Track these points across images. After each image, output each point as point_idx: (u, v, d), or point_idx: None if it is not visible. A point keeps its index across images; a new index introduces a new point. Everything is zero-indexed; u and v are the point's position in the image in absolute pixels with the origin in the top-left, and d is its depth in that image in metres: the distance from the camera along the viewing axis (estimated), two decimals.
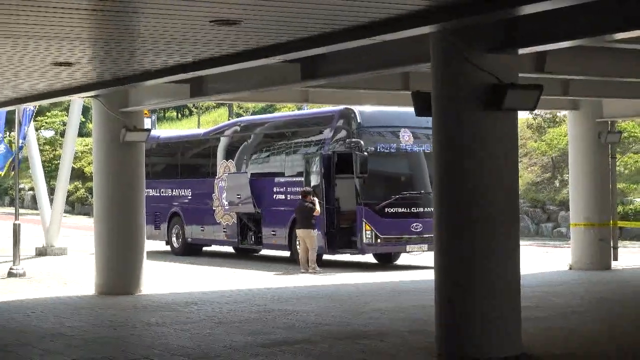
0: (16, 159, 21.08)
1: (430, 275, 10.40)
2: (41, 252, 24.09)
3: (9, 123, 25.62)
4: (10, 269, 19.04)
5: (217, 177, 23.74)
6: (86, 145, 47.17)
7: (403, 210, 20.13)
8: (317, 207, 19.57)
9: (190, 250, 24.60)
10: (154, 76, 12.98)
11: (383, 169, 20.31)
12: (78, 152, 42.51)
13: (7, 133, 24.18)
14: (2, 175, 24.38)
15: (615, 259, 20.19)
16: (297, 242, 20.47)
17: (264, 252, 23.91)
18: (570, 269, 19.64)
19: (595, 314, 13.53)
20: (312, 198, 19.66)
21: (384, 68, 11.60)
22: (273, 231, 21.93)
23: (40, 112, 48.76)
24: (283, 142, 22.21)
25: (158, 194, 25.42)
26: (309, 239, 19.63)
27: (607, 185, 19.84)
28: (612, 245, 19.97)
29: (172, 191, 25.36)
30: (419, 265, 20.63)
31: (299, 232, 19.83)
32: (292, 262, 21.12)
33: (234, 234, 22.99)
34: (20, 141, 22.02)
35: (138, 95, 15.83)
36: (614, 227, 20.16)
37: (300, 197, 19.98)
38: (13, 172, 21.46)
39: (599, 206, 19.49)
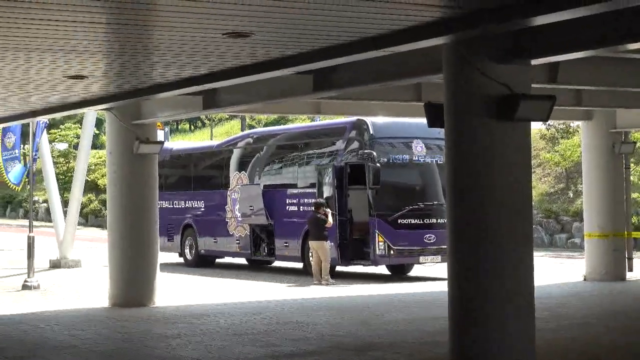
0: (30, 171, 21.16)
1: (443, 286, 10.38)
2: (55, 265, 24.15)
3: (24, 136, 25.72)
4: (25, 281, 19.08)
5: (229, 188, 23.77)
6: (100, 158, 47.32)
7: (416, 221, 20.08)
8: (330, 218, 19.56)
9: (203, 262, 24.62)
10: (167, 88, 13.03)
11: (396, 180, 20.28)
12: (91, 164, 42.62)
13: (22, 146, 24.25)
14: (19, 189, 24.47)
15: (630, 269, 20.09)
16: (310, 254, 20.46)
17: (277, 263, 23.90)
18: (585, 279, 19.56)
19: (605, 324, 13.45)
20: (325, 210, 19.65)
21: (396, 79, 11.60)
22: (286, 243, 21.92)
23: (54, 124, 48.98)
24: (295, 153, 22.22)
25: (171, 206, 25.46)
26: (322, 250, 19.62)
27: (621, 195, 19.75)
28: (626, 256, 19.87)
29: (185, 203, 25.39)
30: (432, 277, 20.57)
31: (312, 243, 19.83)
32: (305, 274, 21.11)
33: (247, 246, 22.99)
34: (34, 153, 22.09)
35: (151, 108, 15.89)
36: (628, 237, 20.06)
37: (313, 208, 19.97)
38: (28, 186, 21.53)
39: (613, 217, 19.40)
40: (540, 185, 34.32)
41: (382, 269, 21.64)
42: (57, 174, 29.05)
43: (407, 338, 11.94)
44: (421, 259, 20.16)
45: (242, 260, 24.84)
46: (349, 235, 20.30)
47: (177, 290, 18.44)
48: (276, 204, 22.06)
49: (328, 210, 19.70)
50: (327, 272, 19.67)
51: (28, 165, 21.85)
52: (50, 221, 27.20)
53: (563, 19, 7.89)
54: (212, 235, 24.31)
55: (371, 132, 20.05)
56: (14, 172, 22.69)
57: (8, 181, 23.26)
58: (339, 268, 21.03)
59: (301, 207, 21.42)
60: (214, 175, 25.10)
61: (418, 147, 20.47)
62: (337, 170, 20.40)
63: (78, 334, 12.67)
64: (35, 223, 22.86)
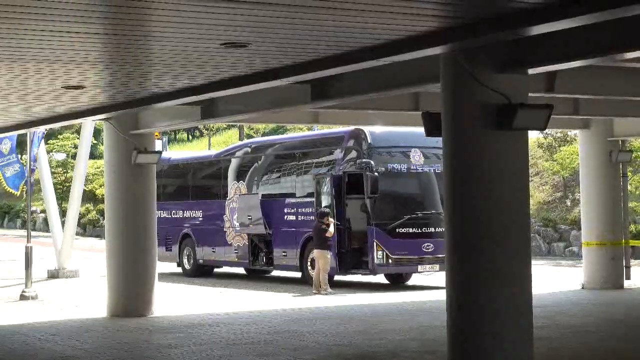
0: (28, 181, 21.13)
1: (441, 295, 10.38)
2: (53, 275, 24.12)
3: (21, 145, 25.69)
4: (23, 291, 19.06)
5: (228, 198, 23.77)
6: (97, 168, 47.33)
7: (414, 230, 20.09)
8: (331, 228, 19.48)
9: (202, 272, 24.60)
10: (165, 98, 13.05)
11: (394, 189, 20.29)
12: (89, 174, 42.63)
13: (20, 155, 24.24)
14: (18, 195, 24.42)
15: (628, 278, 20.10)
16: (309, 262, 20.45)
17: (275, 273, 23.89)
18: (583, 288, 19.55)
19: (603, 333, 13.45)
20: (329, 219, 19.57)
21: (394, 88, 11.62)
22: (284, 252, 21.91)
23: (51, 134, 48.98)
24: (293, 163, 22.23)
25: (169, 216, 25.45)
26: (322, 260, 19.56)
27: (619, 204, 19.77)
28: (624, 264, 19.88)
29: (183, 213, 25.39)
30: (430, 286, 20.57)
31: (314, 252, 19.80)
32: (303, 283, 21.10)
33: (245, 255, 22.98)
34: (32, 163, 22.08)
35: (149, 118, 15.90)
36: (626, 246, 20.07)
37: (318, 218, 19.85)
38: (26, 195, 21.48)
39: (611, 225, 19.42)
40: (538, 194, 34.33)
41: (381, 278, 21.63)
42: (55, 184, 29.03)
43: (406, 347, 11.94)
44: (419, 268, 20.16)
45: (241, 270, 24.82)
46: (348, 245, 20.30)
47: (175, 300, 18.42)
48: (274, 213, 22.06)
49: (332, 220, 19.63)
50: (326, 282, 19.64)
51: (26, 174, 21.81)
52: (48, 231, 27.18)
53: (560, 28, 7.91)
54: (210, 245, 24.30)
55: (369, 141, 20.06)
56: (12, 178, 22.69)
57: (7, 187, 23.28)
58: (337, 277, 21.02)
59: (299, 216, 21.42)
60: (212, 185, 25.11)
61: (416, 156, 20.49)
62: (335, 179, 20.41)
63: (76, 344, 12.65)
64: (33, 233, 22.82)
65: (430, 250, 19.97)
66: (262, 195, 22.54)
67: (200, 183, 25.84)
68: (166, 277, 22.55)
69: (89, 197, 46.29)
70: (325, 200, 20.67)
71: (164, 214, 24.78)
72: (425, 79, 10.66)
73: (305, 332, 13.45)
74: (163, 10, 7.65)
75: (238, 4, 7.40)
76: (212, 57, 9.88)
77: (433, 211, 20.24)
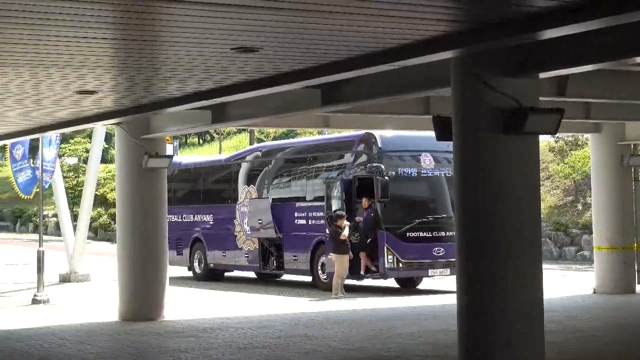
0: (40, 185, 21.20)
1: (452, 299, 10.38)
2: (65, 279, 24.19)
3: (33, 151, 25.77)
4: (35, 295, 19.12)
5: (238, 202, 23.80)
6: (109, 172, 47.47)
7: (425, 234, 20.08)
8: (345, 231, 19.44)
9: (213, 276, 24.64)
10: (176, 103, 13.08)
11: (404, 194, 20.28)
12: (101, 178, 42.71)
13: (32, 160, 24.37)
14: (30, 198, 24.55)
15: None
16: (319, 267, 20.43)
17: (286, 277, 23.90)
18: (595, 292, 19.50)
19: (614, 337, 13.41)
20: (343, 222, 19.53)
21: (404, 93, 11.62)
22: (295, 256, 21.92)
23: (63, 139, 49.10)
24: (304, 167, 22.25)
25: (180, 220, 25.51)
26: (339, 264, 19.51)
27: (631, 208, 19.71)
28: (636, 268, 19.81)
29: (194, 217, 25.44)
30: (441, 290, 20.55)
31: (331, 256, 19.79)
32: (313, 287, 21.09)
33: (256, 259, 23.00)
34: (50, 164, 22.15)
35: (160, 122, 15.95)
36: (637, 250, 20.00)
37: (333, 221, 19.78)
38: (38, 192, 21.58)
39: (622, 229, 19.35)
40: (549, 197, 34.26)
41: (391, 282, 21.61)
42: (66, 188, 29.12)
43: (416, 351, 11.93)
44: (430, 272, 20.14)
45: (251, 274, 24.84)
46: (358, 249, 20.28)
47: (186, 304, 18.45)
48: (285, 217, 22.08)
49: (346, 222, 19.57)
50: (337, 287, 19.62)
51: (38, 179, 21.90)
52: (59, 235, 27.24)
53: (571, 32, 7.90)
54: (221, 249, 24.33)
55: (379, 145, 20.07)
56: (24, 183, 22.80)
57: (19, 192, 23.39)
58: (348, 281, 21.01)
59: (310, 220, 21.42)
60: (223, 189, 25.14)
61: (426, 160, 20.48)
62: (345, 183, 20.41)
63: (88, 348, 12.69)
64: (45, 237, 22.85)
65: (440, 254, 19.94)
66: (273, 199, 22.57)
67: (210, 187, 25.89)
68: (177, 281, 22.59)
69: (101, 201, 46.42)
70: (335, 204, 20.69)
71: (175, 218, 24.83)
72: (436, 83, 10.66)
73: (316, 336, 13.46)
74: (173, 15, 7.68)
75: (248, 9, 7.42)
76: (222, 61, 9.90)
77: (444, 215, 20.23)
